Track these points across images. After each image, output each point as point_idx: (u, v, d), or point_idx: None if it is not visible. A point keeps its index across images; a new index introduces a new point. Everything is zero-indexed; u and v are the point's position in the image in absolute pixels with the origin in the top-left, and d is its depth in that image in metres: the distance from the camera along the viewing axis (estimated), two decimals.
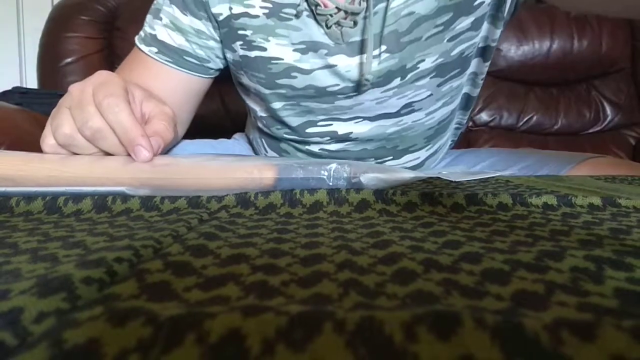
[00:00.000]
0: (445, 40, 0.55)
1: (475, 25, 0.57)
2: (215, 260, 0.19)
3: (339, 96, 0.58)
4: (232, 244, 0.21)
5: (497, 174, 0.35)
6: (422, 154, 0.66)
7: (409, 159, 0.66)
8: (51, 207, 0.31)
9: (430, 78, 0.57)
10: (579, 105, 1.46)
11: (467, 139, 1.44)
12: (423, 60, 0.56)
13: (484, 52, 0.63)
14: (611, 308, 0.14)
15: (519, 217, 0.28)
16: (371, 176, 0.34)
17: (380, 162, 0.64)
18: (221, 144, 0.79)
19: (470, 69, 0.63)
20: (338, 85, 0.57)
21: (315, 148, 0.65)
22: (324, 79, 0.57)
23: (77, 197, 0.31)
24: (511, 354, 0.10)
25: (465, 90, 0.67)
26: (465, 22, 0.55)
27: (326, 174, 0.34)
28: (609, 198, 0.31)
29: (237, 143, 0.81)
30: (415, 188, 0.35)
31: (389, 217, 0.28)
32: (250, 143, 0.80)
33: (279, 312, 0.12)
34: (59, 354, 0.11)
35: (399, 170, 0.35)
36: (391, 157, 0.65)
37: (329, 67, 0.57)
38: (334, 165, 0.35)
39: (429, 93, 0.59)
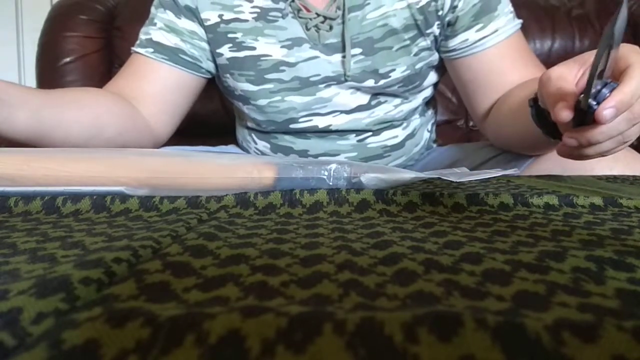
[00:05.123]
0: (412, 54, 0.65)
1: (432, 47, 0.66)
2: (214, 261, 0.18)
3: (320, 86, 0.65)
4: (232, 244, 0.21)
5: (498, 174, 0.35)
6: (400, 132, 0.72)
7: (387, 136, 0.72)
8: (50, 207, 0.30)
9: (398, 87, 0.67)
10: None
11: (468, 139, 1.43)
12: (394, 70, 0.65)
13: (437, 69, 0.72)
14: (612, 308, 0.13)
15: (520, 217, 0.28)
16: (371, 176, 0.34)
17: (361, 137, 0.70)
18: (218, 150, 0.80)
19: (430, 82, 0.71)
20: (319, 75, 0.65)
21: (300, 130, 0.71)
22: (307, 70, 0.65)
23: (76, 197, 0.31)
24: (512, 354, 0.10)
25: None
26: (423, 42, 0.65)
27: (326, 174, 0.34)
28: (611, 198, 0.31)
29: (232, 148, 0.85)
30: (415, 188, 0.35)
31: (389, 218, 0.28)
32: (241, 145, 0.82)
33: (279, 313, 0.12)
34: (58, 355, 0.11)
35: (400, 170, 0.35)
36: (370, 134, 0.70)
37: (312, 58, 0.64)
38: (334, 165, 0.34)
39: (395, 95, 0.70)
